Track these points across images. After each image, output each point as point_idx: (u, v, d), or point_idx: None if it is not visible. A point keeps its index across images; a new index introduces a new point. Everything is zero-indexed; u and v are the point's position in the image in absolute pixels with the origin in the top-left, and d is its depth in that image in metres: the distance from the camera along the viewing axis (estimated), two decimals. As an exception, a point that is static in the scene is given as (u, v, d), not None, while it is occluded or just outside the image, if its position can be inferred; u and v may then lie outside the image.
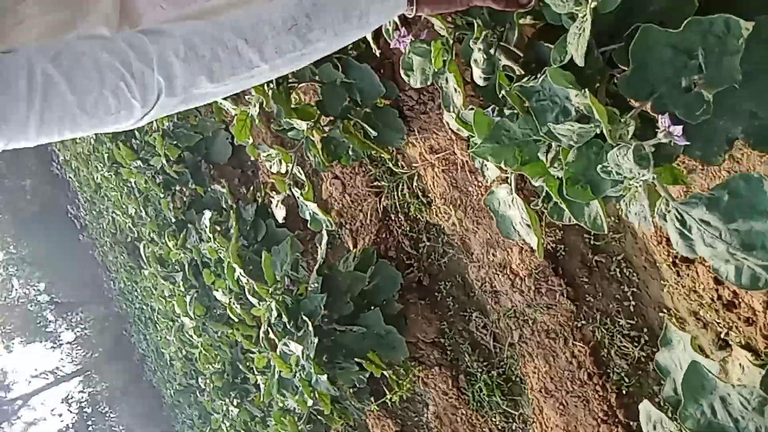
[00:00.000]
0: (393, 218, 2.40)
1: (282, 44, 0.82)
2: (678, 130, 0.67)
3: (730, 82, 0.66)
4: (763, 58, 0.75)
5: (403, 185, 2.26)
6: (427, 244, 2.27)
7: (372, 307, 2.23)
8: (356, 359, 2.29)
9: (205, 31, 0.84)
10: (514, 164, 0.78)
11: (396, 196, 2.29)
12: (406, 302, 2.35)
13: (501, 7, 0.95)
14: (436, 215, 2.16)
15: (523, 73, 0.86)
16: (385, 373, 2.35)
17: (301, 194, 1.96)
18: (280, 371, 2.23)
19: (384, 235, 2.46)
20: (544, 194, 0.86)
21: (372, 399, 2.49)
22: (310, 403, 2.20)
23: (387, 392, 2.49)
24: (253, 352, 2.45)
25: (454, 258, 2.14)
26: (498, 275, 1.78)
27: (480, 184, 1.79)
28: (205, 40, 0.82)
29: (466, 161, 1.76)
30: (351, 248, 2.53)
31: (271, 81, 1.72)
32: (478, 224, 1.83)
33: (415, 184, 2.15)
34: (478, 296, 2.10)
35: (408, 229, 2.33)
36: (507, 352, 1.97)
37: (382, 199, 2.36)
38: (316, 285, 2.17)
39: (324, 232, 2.30)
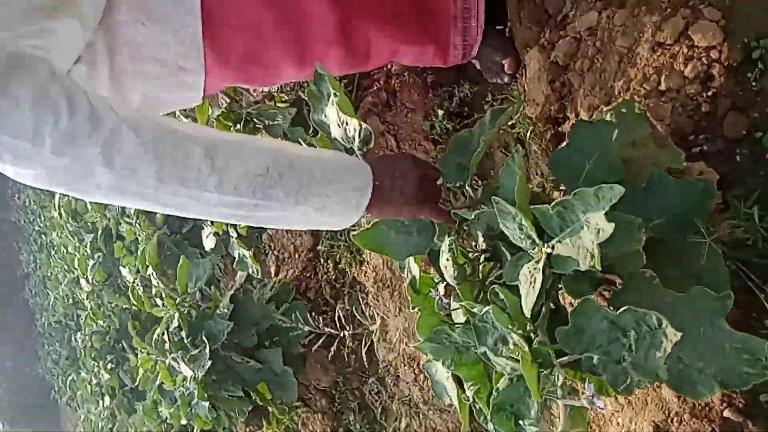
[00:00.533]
0: (322, 262, 2.39)
1: (242, 185, 0.80)
2: (600, 403, 0.71)
3: (652, 376, 0.71)
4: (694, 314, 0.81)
5: (343, 234, 2.25)
6: (347, 299, 2.29)
7: (275, 345, 2.22)
8: (245, 388, 2.27)
9: (177, 129, 0.81)
10: (452, 365, 0.82)
11: (332, 243, 2.28)
12: (310, 345, 2.35)
13: (442, 220, 0.98)
14: (364, 275, 2.17)
15: (480, 279, 0.90)
16: (269, 407, 2.34)
17: (237, 232, 1.92)
18: (163, 382, 2.18)
19: (308, 275, 2.45)
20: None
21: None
22: (183, 421, 2.16)
23: (264, 424, 2.48)
24: (142, 349, 2.38)
25: (368, 327, 2.17)
26: (405, 366, 1.81)
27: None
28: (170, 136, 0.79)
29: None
30: (272, 275, 2.50)
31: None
32: (401, 311, 1.86)
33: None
34: (381, 370, 2.13)
35: (333, 278, 2.34)
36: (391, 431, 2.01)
37: (318, 241, 2.34)
38: (225, 311, 2.13)
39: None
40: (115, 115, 0.76)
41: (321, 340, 2.34)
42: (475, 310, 0.77)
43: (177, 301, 2.13)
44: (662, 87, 1.07)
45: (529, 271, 0.81)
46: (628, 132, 1.02)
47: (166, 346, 2.10)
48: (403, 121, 1.70)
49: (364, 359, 2.20)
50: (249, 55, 1.20)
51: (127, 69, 1.07)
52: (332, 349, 2.33)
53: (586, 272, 0.81)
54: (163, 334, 2.25)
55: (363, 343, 2.18)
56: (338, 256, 2.29)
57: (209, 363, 2.05)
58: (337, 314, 2.31)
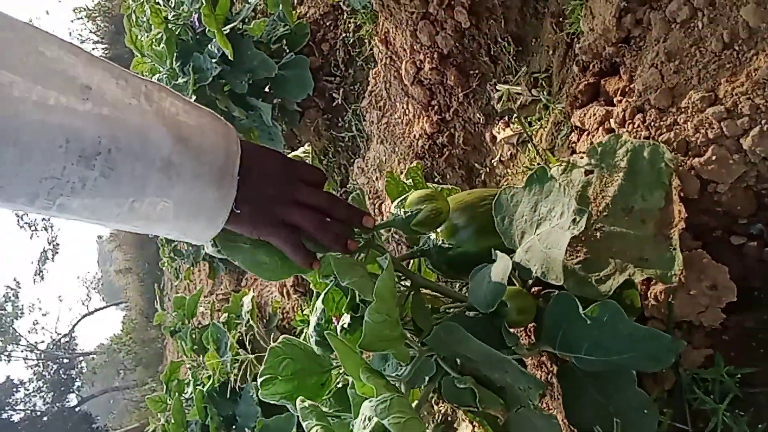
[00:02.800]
0: (344, 18, 2.00)
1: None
2: None
3: None
4: None
5: (366, 13, 1.83)
6: (356, 75, 1.98)
7: (266, 99, 2.03)
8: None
9: None
10: None
11: (357, 10, 1.87)
12: (309, 106, 2.16)
13: (297, 261, 0.70)
14: (378, 59, 1.82)
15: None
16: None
17: None
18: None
19: (329, 23, 2.08)
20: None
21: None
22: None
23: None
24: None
25: (369, 116, 1.91)
26: (371, 194, 1.65)
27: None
28: None
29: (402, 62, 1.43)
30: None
31: None
32: (381, 143, 1.60)
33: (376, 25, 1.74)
34: (368, 155, 1.95)
35: (351, 42, 1.98)
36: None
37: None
38: (215, 50, 1.88)
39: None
40: None
41: (323, 103, 2.12)
42: None
43: (168, 17, 1.86)
44: (748, 142, 0.65)
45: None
46: (632, 192, 0.67)
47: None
48: None
49: (360, 139, 2.02)
50: None
51: None
52: (330, 117, 2.14)
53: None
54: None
55: (362, 121, 1.97)
56: (360, 22, 1.90)
57: (192, 99, 1.90)
58: (345, 85, 2.04)
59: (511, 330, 0.71)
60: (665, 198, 0.65)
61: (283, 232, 0.68)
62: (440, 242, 0.79)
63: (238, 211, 0.66)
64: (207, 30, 1.85)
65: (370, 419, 0.62)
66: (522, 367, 0.65)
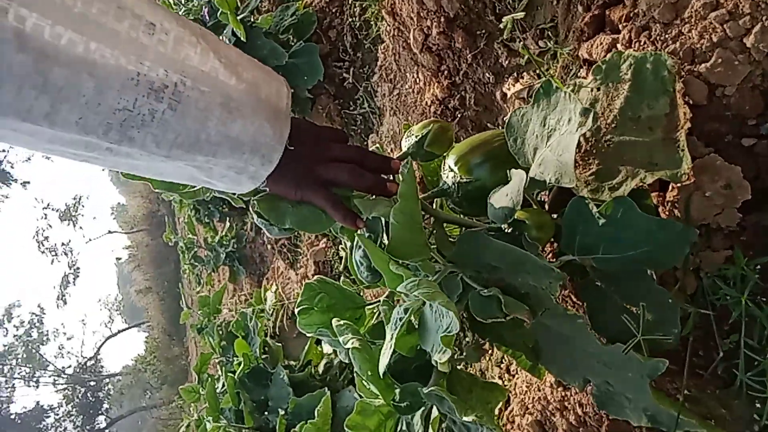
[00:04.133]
0: (348, 3, 2.05)
1: (91, 118, 0.56)
2: None
3: None
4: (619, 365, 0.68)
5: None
6: (364, 57, 2.02)
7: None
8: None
9: None
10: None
11: (361, -12, 1.91)
12: (319, 93, 2.20)
13: (338, 218, 0.74)
14: (385, 35, 1.86)
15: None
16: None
17: None
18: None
19: (335, 10, 2.12)
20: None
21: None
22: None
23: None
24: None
25: (380, 90, 1.95)
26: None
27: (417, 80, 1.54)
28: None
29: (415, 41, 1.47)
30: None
31: None
32: (394, 114, 1.64)
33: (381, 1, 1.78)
34: (382, 129, 1.99)
35: (357, 25, 2.02)
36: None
37: (347, -20, 1.96)
38: (229, 38, 1.92)
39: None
40: None
41: (334, 89, 2.17)
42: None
43: (180, 11, 1.91)
44: (751, 40, 0.68)
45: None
46: (638, 101, 0.70)
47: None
48: None
49: (373, 118, 2.06)
50: None
51: None
52: (342, 101, 2.17)
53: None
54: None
55: (373, 104, 2.01)
56: (365, 4, 1.94)
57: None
58: (354, 68, 2.08)
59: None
60: (670, 104, 0.67)
61: (323, 191, 0.73)
62: (458, 179, 0.83)
63: (292, 148, 0.70)
64: (220, 14, 1.90)
65: (401, 320, 0.65)
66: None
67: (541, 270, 0.68)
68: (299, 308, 0.86)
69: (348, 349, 0.75)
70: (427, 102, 1.49)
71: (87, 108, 0.55)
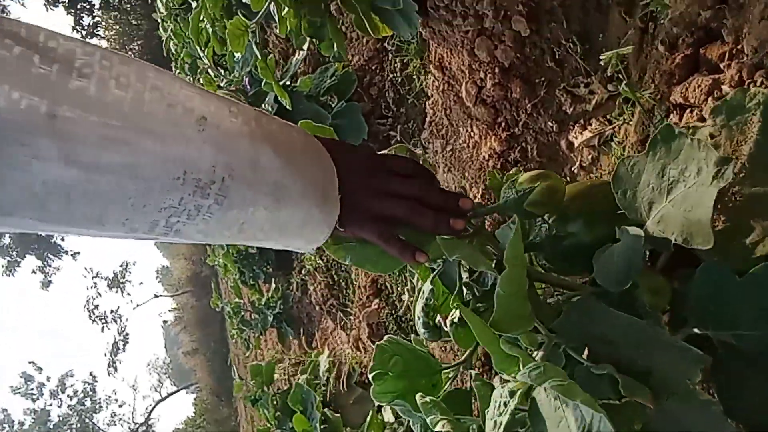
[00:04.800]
0: (390, 58, 2.01)
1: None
2: None
3: None
4: None
5: (412, 49, 1.82)
6: (408, 112, 1.96)
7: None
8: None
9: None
10: None
11: (400, 42, 1.87)
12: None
13: (394, 254, 0.67)
14: (432, 90, 1.80)
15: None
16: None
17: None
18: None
19: (374, 67, 2.09)
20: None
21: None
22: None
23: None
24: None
25: (432, 146, 1.88)
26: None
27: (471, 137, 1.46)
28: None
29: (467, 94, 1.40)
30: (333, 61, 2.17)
31: None
32: (449, 171, 1.56)
33: (425, 56, 1.73)
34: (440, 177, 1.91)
35: (399, 81, 1.98)
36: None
37: (387, 40, 1.93)
38: (269, 108, 1.90)
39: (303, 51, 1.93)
40: None
41: (376, 147, 2.11)
42: None
43: (221, 85, 1.90)
44: None
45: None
46: None
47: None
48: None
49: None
50: None
51: None
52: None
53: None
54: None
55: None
56: (406, 59, 1.90)
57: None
58: (397, 122, 2.03)
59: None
60: (816, 148, 0.57)
61: (375, 227, 0.66)
62: (553, 232, 0.73)
63: (342, 229, 0.66)
64: (263, 84, 1.88)
65: (506, 404, 0.56)
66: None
67: (676, 349, 0.57)
68: (373, 373, 0.79)
69: None
70: (484, 156, 1.41)
71: (133, 209, 0.54)
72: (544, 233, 0.74)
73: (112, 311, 23.00)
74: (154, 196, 0.54)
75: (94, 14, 13.71)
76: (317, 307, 3.73)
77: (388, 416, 2.12)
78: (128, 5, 11.70)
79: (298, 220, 0.62)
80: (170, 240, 0.59)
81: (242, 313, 4.70)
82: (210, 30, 2.20)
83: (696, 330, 0.63)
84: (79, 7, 13.62)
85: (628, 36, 1.06)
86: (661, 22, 0.85)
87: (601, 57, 1.04)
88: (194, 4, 2.37)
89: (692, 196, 0.58)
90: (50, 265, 20.78)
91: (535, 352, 0.62)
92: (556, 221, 0.74)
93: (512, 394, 0.58)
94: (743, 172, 0.62)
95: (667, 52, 0.87)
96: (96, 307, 22.79)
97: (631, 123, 1.06)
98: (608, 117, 1.15)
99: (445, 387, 0.80)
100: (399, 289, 2.24)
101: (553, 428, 0.58)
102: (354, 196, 0.66)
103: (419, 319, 0.76)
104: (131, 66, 0.54)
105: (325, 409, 2.23)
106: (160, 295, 21.97)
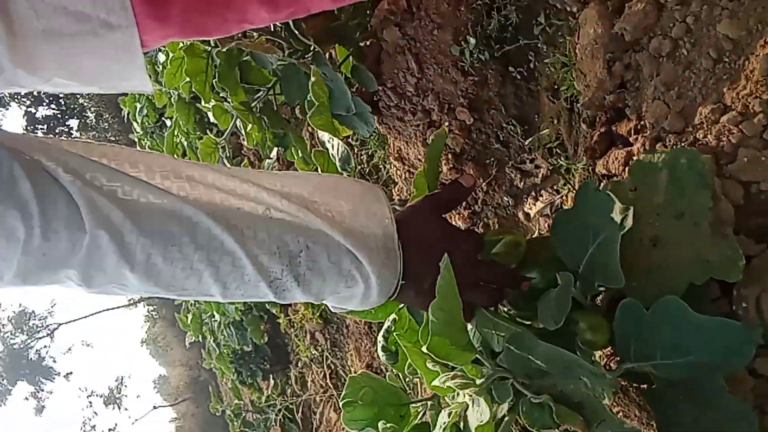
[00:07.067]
0: (354, 153, 2.14)
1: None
2: None
3: None
4: None
5: (374, 143, 1.95)
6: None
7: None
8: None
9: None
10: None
11: (366, 143, 2.00)
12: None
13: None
14: (397, 177, 1.91)
15: None
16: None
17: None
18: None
19: (342, 161, 2.22)
20: None
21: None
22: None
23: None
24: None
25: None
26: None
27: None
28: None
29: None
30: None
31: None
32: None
33: (386, 147, 1.86)
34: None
35: (367, 171, 2.10)
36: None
37: (351, 137, 2.06)
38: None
39: None
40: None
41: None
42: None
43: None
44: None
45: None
46: (678, 197, 0.68)
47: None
48: (427, 39, 1.29)
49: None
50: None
51: (30, 26, 0.80)
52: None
53: None
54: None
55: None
56: (371, 152, 2.03)
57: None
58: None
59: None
60: (713, 197, 0.66)
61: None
62: None
63: (403, 282, 0.73)
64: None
65: (444, 423, 0.64)
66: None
67: (592, 375, 0.64)
68: (343, 401, 0.84)
69: None
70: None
71: (249, 285, 0.67)
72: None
73: (110, 429, 22.14)
74: (263, 270, 0.66)
75: (72, 136, 14.10)
76: (317, 398, 3.69)
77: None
78: (106, 123, 12.07)
79: (373, 280, 0.70)
80: (285, 301, 0.71)
81: (243, 415, 4.61)
82: (185, 143, 2.33)
83: (627, 364, 0.70)
84: (58, 131, 14.02)
85: (559, 115, 1.18)
86: (578, 105, 0.96)
87: (526, 142, 1.15)
88: (168, 123, 2.51)
89: (607, 242, 0.67)
90: (43, 389, 20.18)
91: (479, 381, 0.69)
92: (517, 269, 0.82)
93: (449, 414, 0.65)
94: (657, 222, 0.71)
95: (589, 129, 0.99)
96: (93, 427, 21.96)
97: (573, 191, 1.16)
98: (555, 187, 1.25)
99: (413, 420, 0.86)
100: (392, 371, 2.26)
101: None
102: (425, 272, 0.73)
103: (380, 342, 0.83)
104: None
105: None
106: (159, 406, 21.27)
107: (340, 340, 3.12)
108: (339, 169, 0.91)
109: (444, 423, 0.71)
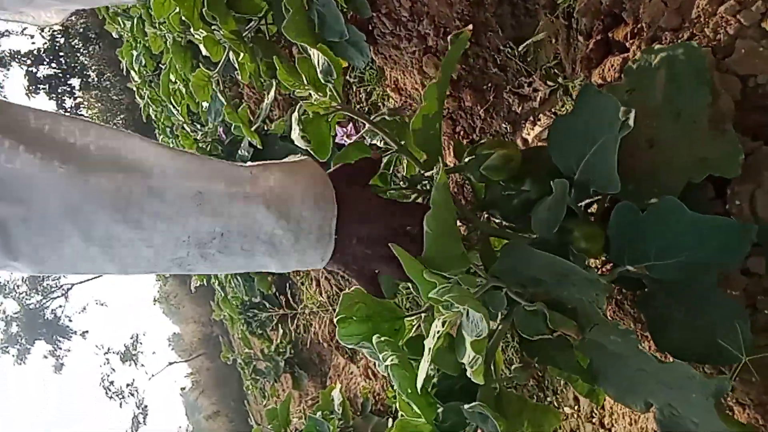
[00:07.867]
0: (353, 92, 2.11)
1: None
2: None
3: None
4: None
5: (372, 78, 1.92)
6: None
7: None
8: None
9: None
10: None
11: (361, 74, 1.97)
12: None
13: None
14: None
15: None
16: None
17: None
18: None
19: (341, 101, 2.18)
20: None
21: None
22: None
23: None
24: None
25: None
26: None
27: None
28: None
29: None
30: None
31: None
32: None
33: (384, 81, 1.83)
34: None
35: (366, 111, 2.07)
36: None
37: (349, 73, 2.02)
38: (246, 153, 1.98)
39: None
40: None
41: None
42: None
43: (197, 138, 1.99)
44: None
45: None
46: (677, 95, 0.67)
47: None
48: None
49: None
50: None
51: None
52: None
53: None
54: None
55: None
56: (369, 89, 1.99)
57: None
58: (370, 150, 2.11)
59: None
60: (712, 92, 0.64)
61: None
62: (505, 192, 0.80)
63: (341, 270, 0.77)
64: (234, 128, 1.96)
65: (438, 332, 0.64)
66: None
67: (587, 281, 0.64)
68: (338, 318, 0.85)
69: (387, 366, 0.74)
70: (449, 164, 1.48)
71: (149, 263, 0.67)
72: (499, 193, 0.81)
73: (128, 385, 22.78)
74: (167, 252, 0.66)
75: (75, 96, 14.01)
76: (326, 345, 3.75)
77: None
78: (107, 82, 11.96)
79: (294, 259, 0.71)
80: (187, 273, 0.71)
81: (254, 363, 4.70)
82: (183, 89, 2.30)
83: (621, 268, 0.69)
84: (60, 91, 13.92)
85: (557, 33, 1.14)
86: (574, 16, 0.93)
87: (519, 48, 1.12)
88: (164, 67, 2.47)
89: (605, 145, 0.65)
90: (60, 348, 20.68)
91: (473, 291, 0.69)
92: (509, 182, 0.80)
93: (444, 323, 0.65)
94: (655, 121, 0.69)
95: (586, 41, 0.95)
96: (111, 383, 22.58)
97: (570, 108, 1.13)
98: (553, 110, 1.22)
99: (407, 334, 0.87)
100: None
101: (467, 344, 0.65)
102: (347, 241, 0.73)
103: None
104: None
105: (342, 440, 2.24)
106: (174, 362, 21.78)
107: (345, 285, 3.15)
108: (322, 81, 0.88)
109: (438, 332, 0.71)
